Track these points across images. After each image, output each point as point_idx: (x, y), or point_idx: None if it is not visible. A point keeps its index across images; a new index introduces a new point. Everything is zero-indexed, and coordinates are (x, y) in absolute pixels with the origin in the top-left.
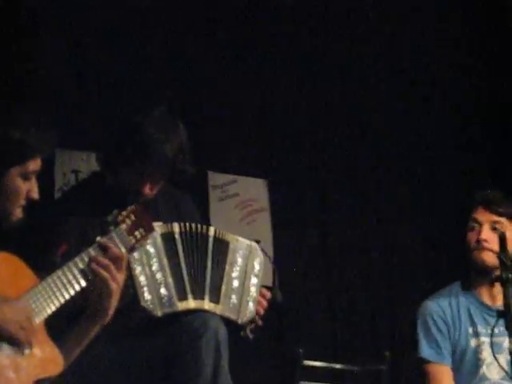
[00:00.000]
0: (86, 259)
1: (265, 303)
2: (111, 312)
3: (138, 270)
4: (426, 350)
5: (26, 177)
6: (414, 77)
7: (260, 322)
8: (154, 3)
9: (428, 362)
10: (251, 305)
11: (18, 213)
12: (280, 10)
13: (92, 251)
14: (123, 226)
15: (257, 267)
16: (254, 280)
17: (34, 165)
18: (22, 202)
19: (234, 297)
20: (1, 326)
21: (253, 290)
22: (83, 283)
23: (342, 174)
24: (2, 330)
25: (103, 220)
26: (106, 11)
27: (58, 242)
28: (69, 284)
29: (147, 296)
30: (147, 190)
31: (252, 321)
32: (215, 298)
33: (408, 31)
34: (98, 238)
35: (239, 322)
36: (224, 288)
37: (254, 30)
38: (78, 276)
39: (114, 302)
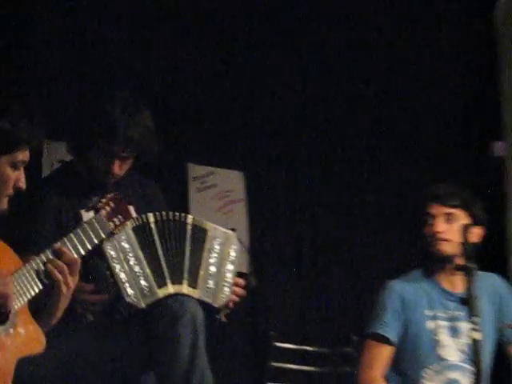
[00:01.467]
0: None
1: (239, 290)
2: (59, 315)
3: (117, 268)
4: (375, 328)
5: (14, 166)
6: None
7: (231, 305)
8: None
9: (373, 338)
10: (227, 290)
11: (3, 203)
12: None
13: (49, 254)
14: (103, 213)
15: (233, 254)
16: (229, 266)
17: (23, 155)
18: (10, 191)
19: (210, 282)
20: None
21: (229, 275)
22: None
23: (316, 166)
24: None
25: (87, 206)
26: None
27: (36, 228)
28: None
29: (130, 291)
30: (116, 168)
31: (227, 305)
32: (193, 283)
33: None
34: (54, 244)
35: (215, 305)
36: (202, 273)
37: (232, 25)
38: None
39: (63, 305)
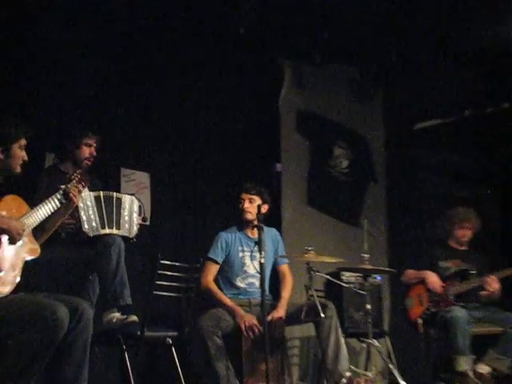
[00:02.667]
0: (59, 196)
1: (142, 224)
2: (53, 230)
3: (82, 213)
4: (210, 254)
5: (20, 148)
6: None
7: (137, 232)
8: None
9: (209, 259)
10: (135, 227)
11: (18, 169)
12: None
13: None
14: (74, 181)
15: (135, 208)
16: (135, 214)
17: (23, 141)
18: (20, 162)
19: (126, 224)
20: (9, 229)
21: (135, 219)
22: (58, 204)
23: (202, 167)
24: (8, 231)
25: (66, 176)
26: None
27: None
28: (46, 206)
29: (86, 226)
30: (87, 154)
31: (136, 235)
32: (117, 227)
33: None
34: (62, 186)
35: (130, 236)
36: (121, 221)
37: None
38: (57, 201)
39: (59, 221)
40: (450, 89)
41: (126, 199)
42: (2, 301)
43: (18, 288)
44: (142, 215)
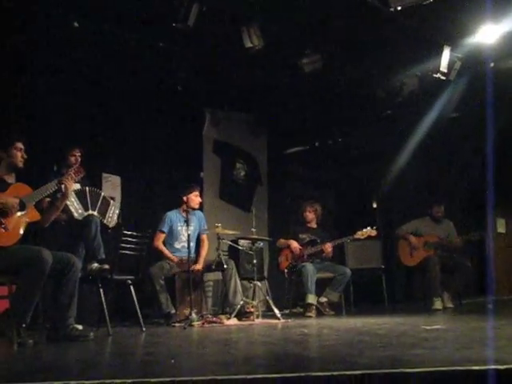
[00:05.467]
0: (54, 183)
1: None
2: (57, 214)
3: (71, 207)
4: (159, 227)
5: (17, 149)
6: None
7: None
8: None
9: (159, 231)
10: (113, 222)
11: (20, 164)
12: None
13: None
14: (69, 173)
15: (113, 202)
16: (115, 215)
17: (19, 145)
18: (21, 159)
19: (106, 214)
20: (6, 203)
21: (115, 218)
22: (54, 187)
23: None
24: (6, 205)
25: (62, 172)
26: None
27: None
28: (43, 188)
29: (75, 214)
30: (73, 160)
31: (113, 227)
32: (95, 210)
33: None
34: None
35: (110, 226)
36: (99, 207)
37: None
38: (53, 185)
39: (66, 197)
40: (309, 128)
41: (104, 196)
42: (8, 249)
43: (28, 243)
44: (118, 214)
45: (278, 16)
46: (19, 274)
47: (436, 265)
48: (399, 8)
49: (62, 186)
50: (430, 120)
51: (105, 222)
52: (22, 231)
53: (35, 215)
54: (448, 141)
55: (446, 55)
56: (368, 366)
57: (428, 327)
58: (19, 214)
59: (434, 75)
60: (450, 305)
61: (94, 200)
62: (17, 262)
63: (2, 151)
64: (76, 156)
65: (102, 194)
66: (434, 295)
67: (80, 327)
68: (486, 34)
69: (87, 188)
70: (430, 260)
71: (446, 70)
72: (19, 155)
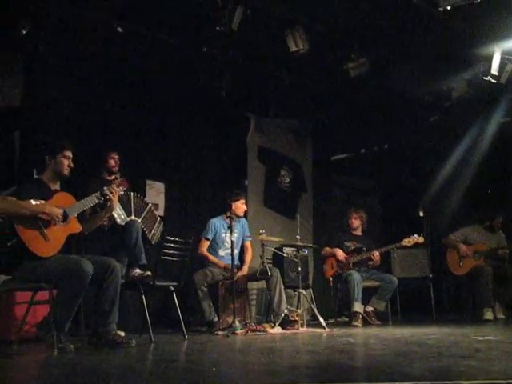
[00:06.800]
0: (97, 194)
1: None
2: (98, 223)
3: (114, 214)
4: (203, 234)
5: (64, 157)
6: None
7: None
8: None
9: (205, 238)
10: (155, 238)
11: (65, 173)
12: None
13: (104, 190)
14: (114, 185)
15: (155, 212)
16: (158, 231)
17: (67, 153)
18: (68, 168)
19: (148, 223)
20: (50, 214)
21: (158, 234)
22: (96, 200)
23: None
24: (50, 215)
25: (102, 177)
26: None
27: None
28: (86, 200)
29: (118, 220)
30: (113, 163)
31: (155, 243)
32: (139, 217)
33: None
34: (104, 188)
35: (152, 242)
36: (143, 214)
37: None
38: (95, 198)
39: (110, 211)
40: (355, 135)
41: (148, 203)
42: (48, 260)
43: (68, 252)
44: (161, 231)
45: (323, 19)
46: (59, 285)
47: (489, 274)
48: (448, 8)
49: (107, 201)
50: (480, 126)
51: (149, 237)
52: (62, 243)
53: (77, 227)
54: (497, 148)
55: (496, 57)
56: (420, 377)
57: (480, 338)
58: (61, 224)
59: (485, 78)
60: (501, 315)
61: (139, 208)
62: (57, 273)
63: (50, 158)
64: (115, 159)
65: (150, 205)
66: (485, 305)
67: (122, 333)
68: None
69: (132, 193)
70: (482, 269)
71: (496, 73)
72: (66, 163)
